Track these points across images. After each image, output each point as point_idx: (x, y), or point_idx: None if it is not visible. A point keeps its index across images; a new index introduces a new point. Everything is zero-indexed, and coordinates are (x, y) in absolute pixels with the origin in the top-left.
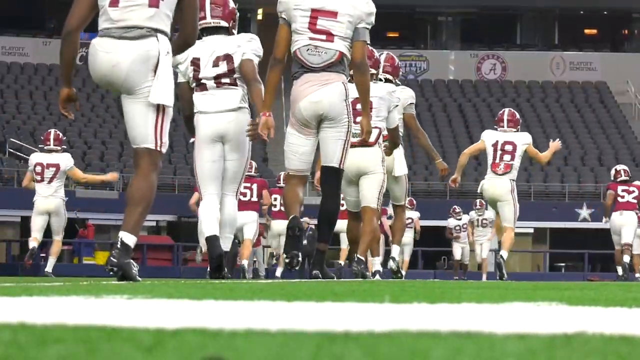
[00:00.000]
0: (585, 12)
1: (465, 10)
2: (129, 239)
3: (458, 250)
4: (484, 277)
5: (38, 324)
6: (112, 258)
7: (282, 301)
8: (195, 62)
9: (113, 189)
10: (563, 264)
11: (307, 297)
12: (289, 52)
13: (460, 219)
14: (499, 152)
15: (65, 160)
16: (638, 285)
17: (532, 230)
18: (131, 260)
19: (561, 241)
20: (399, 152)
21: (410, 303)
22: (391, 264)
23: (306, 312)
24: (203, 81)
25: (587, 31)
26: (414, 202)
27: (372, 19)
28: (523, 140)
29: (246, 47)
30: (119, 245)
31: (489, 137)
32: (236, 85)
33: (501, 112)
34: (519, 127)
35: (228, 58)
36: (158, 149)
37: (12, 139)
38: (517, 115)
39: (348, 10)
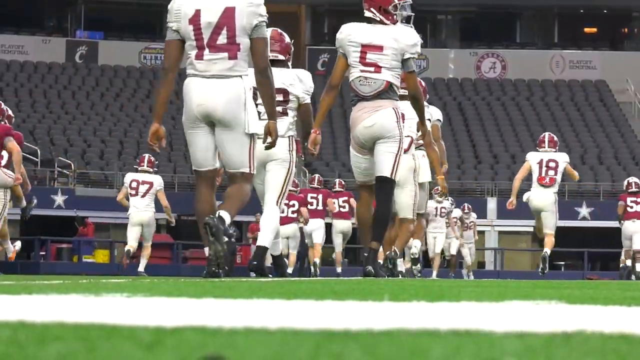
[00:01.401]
0: (585, 10)
1: (465, 8)
2: (225, 215)
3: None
4: (434, 274)
5: (37, 322)
6: (208, 220)
7: (282, 299)
8: (254, 92)
9: (113, 187)
10: (562, 263)
11: (307, 295)
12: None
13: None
14: (544, 168)
15: (159, 180)
16: (637, 284)
17: (531, 229)
18: (227, 229)
19: (560, 240)
20: (425, 161)
21: (410, 301)
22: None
23: (306, 310)
24: (259, 109)
25: (586, 30)
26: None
27: (417, 48)
28: (564, 159)
29: (303, 87)
30: (216, 217)
31: (533, 157)
32: (287, 114)
33: (542, 135)
34: (557, 147)
35: (284, 91)
36: (251, 171)
37: None
38: (556, 138)
39: (392, 44)
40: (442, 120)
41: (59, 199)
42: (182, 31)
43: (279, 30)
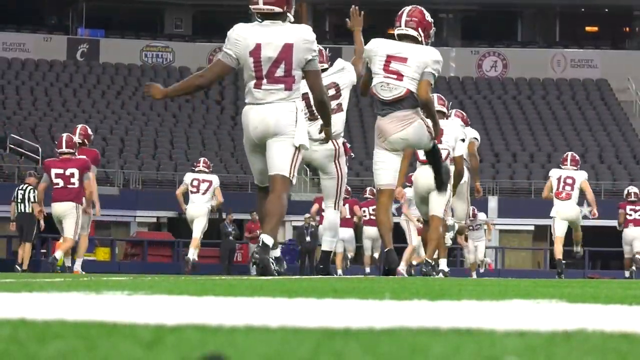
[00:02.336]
0: (586, 9)
1: (466, 7)
2: (268, 240)
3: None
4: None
5: (38, 319)
6: (255, 254)
7: (283, 298)
8: (306, 97)
9: (113, 185)
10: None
11: (308, 293)
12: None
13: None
14: (562, 184)
15: (216, 179)
16: (638, 282)
17: (532, 228)
18: (270, 257)
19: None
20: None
21: (411, 300)
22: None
23: (306, 308)
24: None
25: (588, 28)
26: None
27: (439, 67)
28: (581, 177)
29: (349, 76)
30: (260, 244)
31: (555, 174)
32: (342, 109)
33: (565, 154)
34: (579, 166)
35: (335, 85)
36: (290, 177)
37: (13, 135)
38: (577, 157)
39: (417, 57)
40: (479, 139)
41: None
42: (241, 59)
43: None
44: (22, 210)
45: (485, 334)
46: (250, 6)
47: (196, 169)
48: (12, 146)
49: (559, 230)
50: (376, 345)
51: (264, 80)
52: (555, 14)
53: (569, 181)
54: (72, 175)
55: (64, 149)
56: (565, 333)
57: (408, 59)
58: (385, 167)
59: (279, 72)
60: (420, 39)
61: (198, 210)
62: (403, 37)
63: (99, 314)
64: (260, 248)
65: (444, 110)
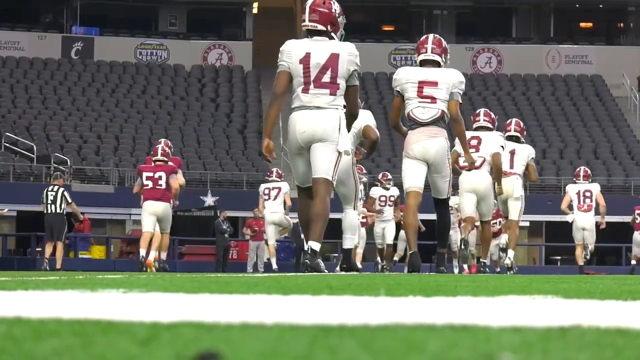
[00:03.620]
0: (580, 5)
1: (461, 3)
2: (316, 246)
3: (379, 231)
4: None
5: (34, 317)
6: (306, 261)
7: (278, 295)
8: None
9: (109, 183)
10: (559, 257)
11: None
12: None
13: (388, 189)
14: (581, 198)
15: (285, 186)
16: (633, 278)
17: (527, 224)
18: (320, 261)
19: (557, 234)
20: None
21: (406, 296)
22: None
23: (302, 305)
24: None
25: (582, 24)
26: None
27: (463, 86)
28: (596, 189)
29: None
30: (309, 251)
31: (572, 189)
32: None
33: (577, 169)
34: (590, 179)
35: None
36: (332, 180)
37: (7, 133)
38: (589, 171)
39: (445, 80)
40: (534, 156)
41: None
42: (292, 68)
43: None
44: (52, 211)
45: (481, 329)
46: (302, 24)
47: (269, 179)
48: (6, 145)
49: (580, 238)
50: (372, 342)
51: (311, 85)
52: (549, 10)
53: (587, 194)
54: (160, 177)
55: (159, 157)
56: (561, 329)
57: (438, 82)
58: (411, 172)
59: (325, 78)
60: (442, 64)
61: (273, 217)
62: (427, 63)
63: (94, 312)
64: (310, 255)
65: (490, 126)
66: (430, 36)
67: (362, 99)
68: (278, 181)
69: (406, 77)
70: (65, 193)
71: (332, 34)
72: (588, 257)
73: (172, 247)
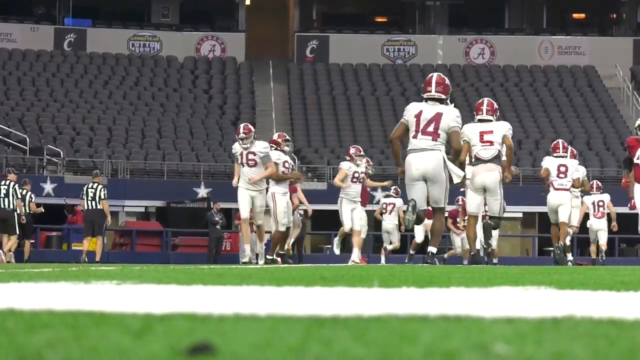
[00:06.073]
0: None
1: None
2: (434, 250)
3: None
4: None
5: (26, 309)
6: (428, 260)
7: (271, 286)
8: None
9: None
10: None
11: (296, 282)
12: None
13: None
14: (597, 207)
15: (400, 202)
16: (625, 269)
17: (520, 215)
18: (435, 260)
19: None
20: None
21: (399, 288)
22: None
23: (295, 296)
24: None
25: (575, 15)
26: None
27: (511, 131)
28: (607, 198)
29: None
30: (430, 254)
31: (589, 200)
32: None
33: (591, 182)
34: (601, 190)
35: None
36: (445, 206)
37: (0, 125)
38: (600, 184)
39: (498, 130)
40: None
41: (48, 187)
42: (409, 122)
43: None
44: (93, 207)
45: (474, 320)
46: (424, 94)
47: (389, 194)
48: None
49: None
50: (365, 333)
51: (419, 134)
52: (542, 0)
53: (601, 203)
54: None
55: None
56: (554, 319)
57: (493, 131)
58: (472, 202)
59: (430, 129)
60: (493, 120)
61: (388, 225)
62: (484, 120)
63: (87, 304)
64: (429, 257)
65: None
66: (485, 100)
67: (354, 90)
68: (394, 197)
69: (471, 130)
70: (103, 190)
71: (447, 101)
72: (604, 258)
73: (166, 239)
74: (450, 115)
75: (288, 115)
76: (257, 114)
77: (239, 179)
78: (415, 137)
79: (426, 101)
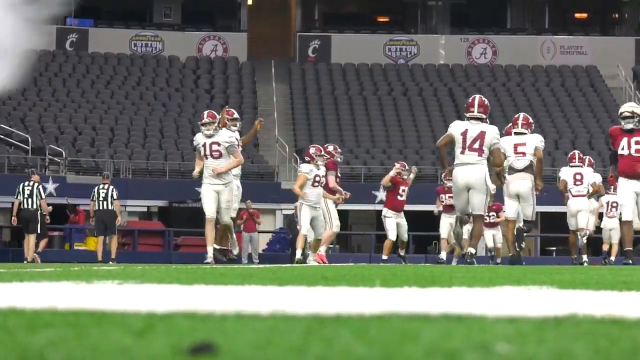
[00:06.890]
0: None
1: None
2: (473, 250)
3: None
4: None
5: (28, 308)
6: (467, 259)
7: (273, 285)
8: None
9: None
10: (554, 248)
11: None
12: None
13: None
14: (611, 207)
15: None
16: (627, 269)
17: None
18: (472, 260)
19: (552, 225)
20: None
21: (401, 287)
22: None
23: (297, 296)
24: None
25: (577, 15)
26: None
27: (543, 143)
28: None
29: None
30: (469, 254)
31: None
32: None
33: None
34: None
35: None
36: (484, 214)
37: (2, 125)
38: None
39: (531, 142)
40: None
41: (50, 186)
42: (455, 138)
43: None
44: (104, 208)
45: (476, 319)
46: (466, 113)
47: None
48: (1, 136)
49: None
50: (366, 331)
51: (466, 150)
52: (544, 0)
53: (615, 204)
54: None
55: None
56: (556, 319)
57: (526, 143)
58: (510, 207)
59: (475, 146)
60: (528, 133)
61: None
62: (519, 133)
63: (89, 303)
64: (469, 256)
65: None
66: (521, 115)
67: (356, 90)
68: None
69: (507, 142)
70: (114, 191)
71: (486, 120)
72: (612, 261)
73: (168, 238)
74: (492, 133)
75: (290, 115)
76: (259, 113)
77: (200, 173)
78: (462, 152)
79: (469, 120)
